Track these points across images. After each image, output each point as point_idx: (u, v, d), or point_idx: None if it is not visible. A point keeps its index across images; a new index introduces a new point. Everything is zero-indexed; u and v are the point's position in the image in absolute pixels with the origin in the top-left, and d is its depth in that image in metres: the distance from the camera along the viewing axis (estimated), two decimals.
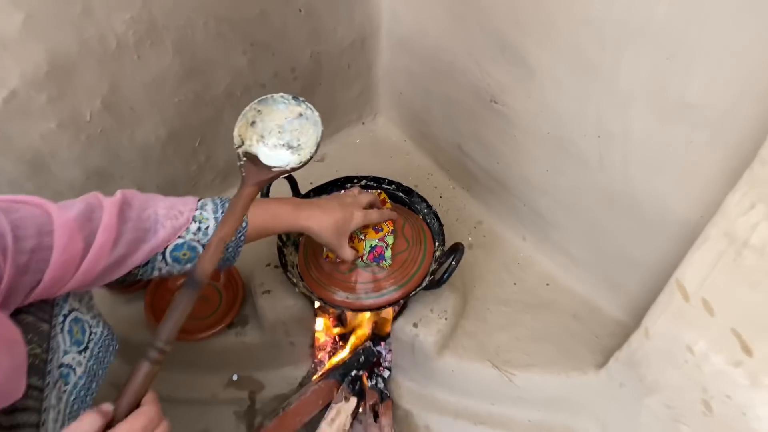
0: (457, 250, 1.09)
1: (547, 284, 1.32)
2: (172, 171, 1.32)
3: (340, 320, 1.38)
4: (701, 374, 0.94)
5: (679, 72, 0.87)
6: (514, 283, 1.32)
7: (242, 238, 0.87)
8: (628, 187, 1.06)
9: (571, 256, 1.28)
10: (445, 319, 1.18)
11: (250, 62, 1.27)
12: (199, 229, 0.82)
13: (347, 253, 1.01)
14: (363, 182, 1.31)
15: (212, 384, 1.33)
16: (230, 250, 0.88)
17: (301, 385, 1.35)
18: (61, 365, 0.72)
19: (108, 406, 0.63)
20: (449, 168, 1.50)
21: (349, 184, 1.32)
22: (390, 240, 1.10)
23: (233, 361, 1.32)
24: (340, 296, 1.12)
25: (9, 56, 0.94)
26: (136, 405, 0.65)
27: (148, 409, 0.64)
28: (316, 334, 1.33)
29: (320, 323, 1.34)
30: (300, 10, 1.26)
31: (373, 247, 1.09)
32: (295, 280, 1.14)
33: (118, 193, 0.77)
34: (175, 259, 0.81)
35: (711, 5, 0.79)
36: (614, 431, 1.16)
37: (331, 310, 1.35)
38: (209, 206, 0.85)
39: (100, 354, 0.80)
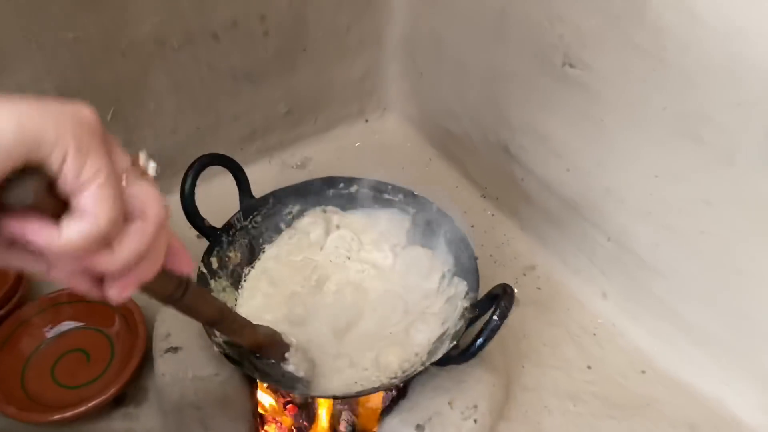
0: (501, 296, 0.61)
1: (643, 371, 0.80)
2: None
3: (301, 408, 0.87)
4: None
5: None
6: (588, 366, 0.81)
7: None
8: None
9: (688, 324, 0.77)
10: (474, 420, 0.67)
11: None
12: None
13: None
14: (354, 187, 0.85)
15: None
16: None
17: None
18: None
19: None
20: (487, 184, 1.01)
21: (331, 191, 0.85)
22: None
23: None
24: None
25: None
26: None
27: None
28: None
29: (266, 400, 0.83)
30: None
31: None
32: (217, 335, 0.66)
33: None
34: None
35: None
36: None
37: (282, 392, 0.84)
38: None
39: None
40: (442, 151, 1.08)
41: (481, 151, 0.98)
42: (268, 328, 0.64)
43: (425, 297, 0.76)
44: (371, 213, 0.85)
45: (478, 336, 0.60)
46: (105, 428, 0.76)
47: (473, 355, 0.60)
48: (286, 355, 0.66)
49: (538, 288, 0.90)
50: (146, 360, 0.78)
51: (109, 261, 0.30)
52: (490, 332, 0.59)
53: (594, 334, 0.84)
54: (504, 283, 0.63)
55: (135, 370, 0.77)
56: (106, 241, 0.29)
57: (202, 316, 0.51)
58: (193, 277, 0.52)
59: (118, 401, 0.78)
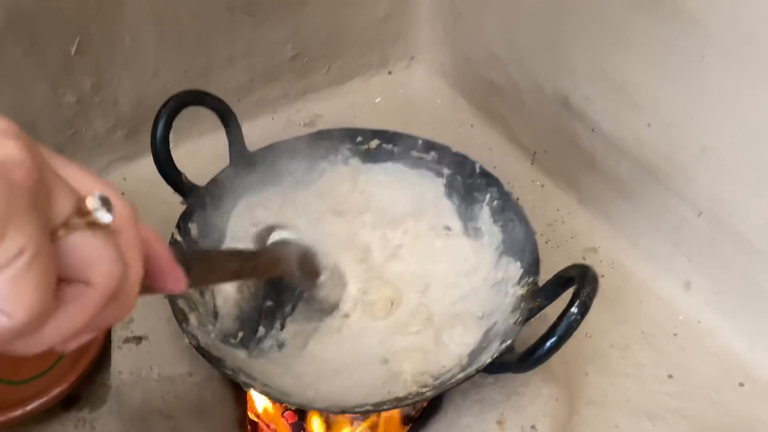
0: (581, 282, 0.45)
1: (741, 384, 0.63)
2: (24, 99, 0.70)
3: (302, 416, 0.70)
4: None
5: None
6: (669, 376, 0.64)
7: None
8: None
9: None
10: None
11: None
12: None
13: None
14: (375, 142, 0.67)
15: None
16: None
17: None
18: None
19: None
20: (538, 147, 0.83)
21: (347, 146, 0.68)
22: None
23: None
24: None
25: None
26: None
27: None
28: None
29: (260, 404, 0.66)
30: None
31: None
32: (192, 322, 0.50)
33: None
34: None
35: None
36: None
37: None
38: None
39: None
40: (482, 108, 0.90)
41: (532, 105, 0.80)
42: (298, 245, 0.55)
43: (461, 299, 0.59)
44: (396, 175, 0.68)
45: (549, 334, 0.43)
46: None
47: (540, 360, 0.43)
48: (319, 280, 0.58)
49: (602, 276, 0.71)
50: (106, 351, 0.61)
51: (31, 346, 0.21)
52: (566, 329, 0.42)
53: (675, 335, 0.67)
54: (582, 264, 0.46)
55: (91, 363, 0.61)
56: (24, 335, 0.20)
57: (217, 282, 0.46)
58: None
59: (70, 402, 0.62)
